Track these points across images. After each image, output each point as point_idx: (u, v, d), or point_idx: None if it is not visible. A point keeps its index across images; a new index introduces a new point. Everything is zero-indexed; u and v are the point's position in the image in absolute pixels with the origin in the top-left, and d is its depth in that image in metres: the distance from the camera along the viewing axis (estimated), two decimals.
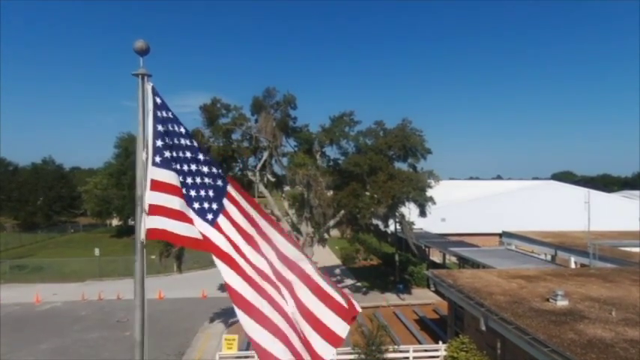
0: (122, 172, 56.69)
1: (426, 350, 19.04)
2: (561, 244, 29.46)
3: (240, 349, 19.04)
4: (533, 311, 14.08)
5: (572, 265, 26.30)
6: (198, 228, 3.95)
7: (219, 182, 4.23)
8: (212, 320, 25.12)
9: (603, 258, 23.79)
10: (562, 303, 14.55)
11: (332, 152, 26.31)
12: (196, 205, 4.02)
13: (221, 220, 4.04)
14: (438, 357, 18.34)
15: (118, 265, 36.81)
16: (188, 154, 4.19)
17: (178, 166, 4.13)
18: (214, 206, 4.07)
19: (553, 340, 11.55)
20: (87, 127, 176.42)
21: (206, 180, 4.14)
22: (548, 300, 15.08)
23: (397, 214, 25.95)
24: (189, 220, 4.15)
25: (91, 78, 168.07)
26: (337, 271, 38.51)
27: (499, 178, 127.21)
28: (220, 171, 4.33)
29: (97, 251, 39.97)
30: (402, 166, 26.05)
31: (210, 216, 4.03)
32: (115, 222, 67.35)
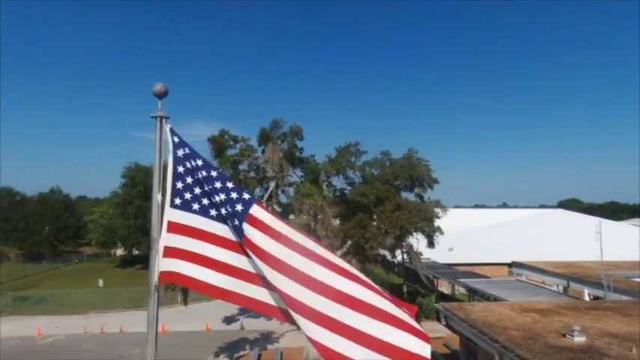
0: (128, 202, 56.82)
1: None
2: (573, 274, 28.79)
3: None
4: (550, 348, 13.58)
5: (586, 298, 25.58)
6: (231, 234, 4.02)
7: (240, 207, 4.06)
8: (217, 355, 24.52)
9: (618, 290, 23.17)
10: (579, 339, 14.04)
11: (338, 182, 26.32)
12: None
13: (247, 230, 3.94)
14: None
15: (122, 296, 36.37)
16: (214, 185, 4.15)
17: (206, 201, 4.14)
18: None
19: None
20: (94, 156, 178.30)
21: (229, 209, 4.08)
22: (564, 335, 14.57)
23: (405, 244, 25.64)
24: (211, 264, 4.05)
25: (98, 107, 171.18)
26: None
27: (505, 205, 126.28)
28: (243, 195, 4.12)
29: (100, 282, 39.64)
30: (408, 196, 25.95)
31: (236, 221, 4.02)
32: (119, 252, 67.03)
